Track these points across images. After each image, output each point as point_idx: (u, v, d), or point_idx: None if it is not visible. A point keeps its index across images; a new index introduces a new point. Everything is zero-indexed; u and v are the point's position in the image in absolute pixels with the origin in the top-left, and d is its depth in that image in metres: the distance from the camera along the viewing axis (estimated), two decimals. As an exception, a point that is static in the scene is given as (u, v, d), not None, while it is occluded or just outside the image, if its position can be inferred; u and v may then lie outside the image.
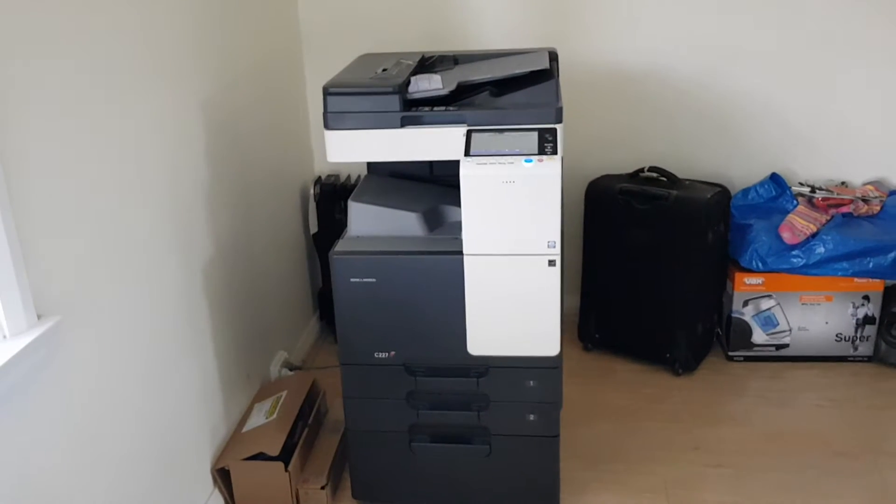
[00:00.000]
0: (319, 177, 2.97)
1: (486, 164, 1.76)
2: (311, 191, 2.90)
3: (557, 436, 1.99)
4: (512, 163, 1.75)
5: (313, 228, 2.93)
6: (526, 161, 1.75)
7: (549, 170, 1.74)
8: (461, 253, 1.84)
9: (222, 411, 2.20)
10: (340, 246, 1.94)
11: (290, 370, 2.67)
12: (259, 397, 2.37)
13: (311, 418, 2.29)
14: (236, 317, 2.30)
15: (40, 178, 1.41)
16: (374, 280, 1.89)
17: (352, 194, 2.04)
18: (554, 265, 1.82)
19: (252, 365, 2.44)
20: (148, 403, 1.80)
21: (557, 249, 1.81)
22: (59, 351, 1.46)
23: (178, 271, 1.95)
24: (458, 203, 1.82)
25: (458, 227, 1.86)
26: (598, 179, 2.77)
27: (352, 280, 1.89)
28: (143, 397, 1.79)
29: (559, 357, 1.92)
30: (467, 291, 1.86)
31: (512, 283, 1.84)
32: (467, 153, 1.77)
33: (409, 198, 2.04)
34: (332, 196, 2.85)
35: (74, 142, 1.51)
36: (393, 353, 1.95)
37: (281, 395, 2.31)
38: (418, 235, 1.95)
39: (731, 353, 2.80)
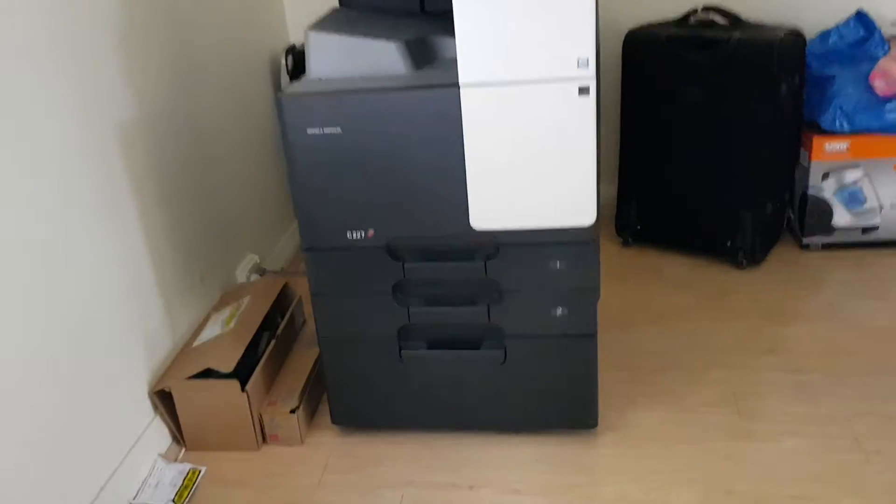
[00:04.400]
0: (293, 45, 2.48)
1: (486, -56, 1.23)
2: (283, 61, 2.41)
3: (594, 334, 1.51)
4: (524, -62, 1.21)
5: (288, 107, 2.43)
6: (544, -65, 1.21)
7: (579, -55, 1.20)
8: (456, 85, 1.33)
9: (163, 320, 1.75)
10: (293, 87, 1.44)
11: (262, 276, 2.21)
12: (219, 306, 1.92)
13: (280, 329, 1.84)
14: (182, 201, 1.84)
15: None
16: (338, 130, 1.40)
17: (311, 25, 1.52)
18: (587, 94, 1.30)
19: (209, 265, 1.98)
20: (54, 295, 1.40)
21: (591, 71, 1.29)
22: None
23: (85, 128, 1.47)
24: (453, 33, 1.30)
25: (453, 63, 1.35)
26: (637, 29, 2.28)
27: (309, 131, 1.41)
28: (48, 285, 1.38)
29: (595, 228, 1.42)
30: (467, 141, 1.37)
31: (528, 124, 1.35)
32: (460, -68, 1.24)
33: (389, 28, 1.53)
34: (308, 65, 2.35)
35: None
36: (371, 231, 1.48)
37: (242, 302, 1.85)
38: (400, 73, 1.44)
39: (805, 241, 2.33)
